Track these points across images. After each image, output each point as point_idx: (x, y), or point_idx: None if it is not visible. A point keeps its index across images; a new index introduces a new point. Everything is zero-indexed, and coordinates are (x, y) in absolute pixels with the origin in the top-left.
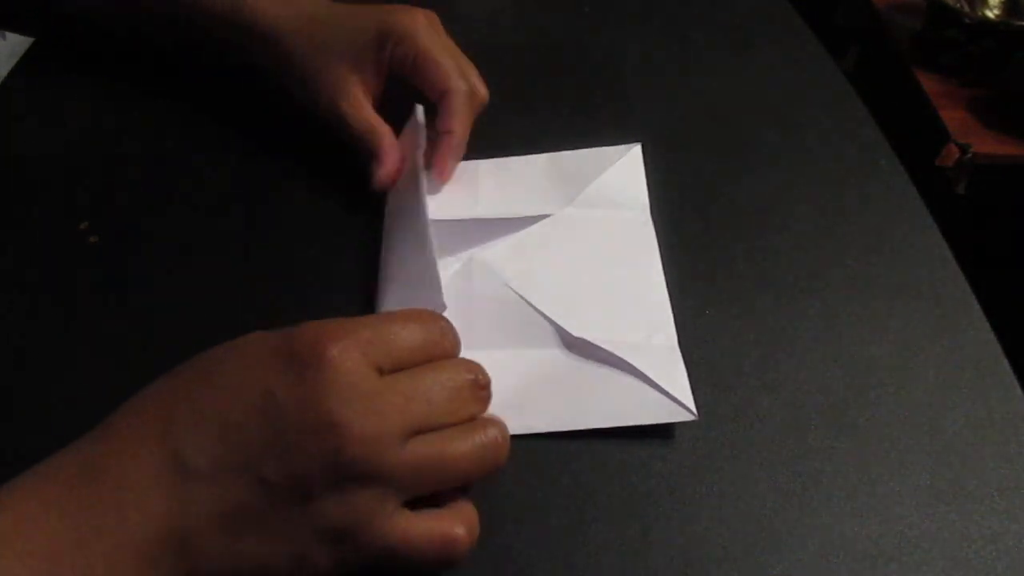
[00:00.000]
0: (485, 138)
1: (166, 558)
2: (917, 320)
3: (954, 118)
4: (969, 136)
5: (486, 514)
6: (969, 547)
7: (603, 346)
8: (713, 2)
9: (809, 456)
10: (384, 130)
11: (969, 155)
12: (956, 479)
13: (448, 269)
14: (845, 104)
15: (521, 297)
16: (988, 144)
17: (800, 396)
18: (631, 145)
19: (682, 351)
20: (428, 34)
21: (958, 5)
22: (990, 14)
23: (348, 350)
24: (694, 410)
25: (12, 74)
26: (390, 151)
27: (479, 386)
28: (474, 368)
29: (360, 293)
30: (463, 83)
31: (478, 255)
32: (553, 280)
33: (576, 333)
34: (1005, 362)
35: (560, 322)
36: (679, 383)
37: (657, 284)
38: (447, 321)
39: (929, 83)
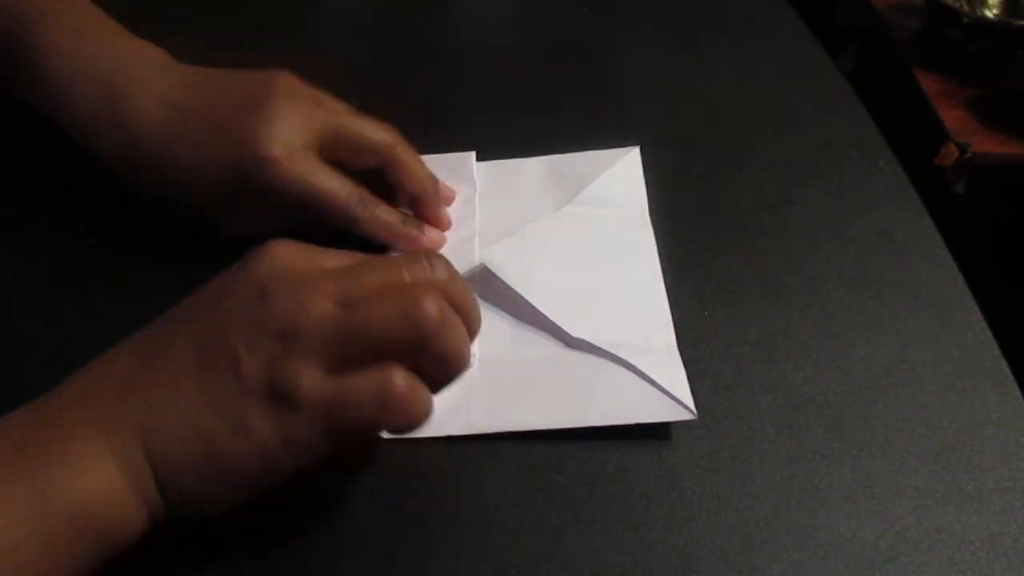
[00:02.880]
0: (484, 138)
1: (133, 436)
2: (916, 320)
3: (953, 118)
4: (968, 136)
5: (486, 514)
6: (967, 547)
7: (603, 347)
8: (713, 2)
9: (808, 456)
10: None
11: (968, 155)
12: (954, 479)
13: None
14: (845, 104)
15: (521, 296)
16: (987, 144)
17: (799, 396)
18: (629, 148)
19: (681, 351)
20: (297, 178)
21: (958, 5)
22: (990, 14)
23: (293, 250)
24: (694, 410)
25: None
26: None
27: (436, 287)
28: (436, 265)
29: None
30: (372, 155)
31: (480, 256)
32: (552, 280)
33: (575, 334)
34: (1004, 362)
35: (560, 322)
36: (679, 383)
37: (656, 285)
38: (437, 259)
39: (928, 83)
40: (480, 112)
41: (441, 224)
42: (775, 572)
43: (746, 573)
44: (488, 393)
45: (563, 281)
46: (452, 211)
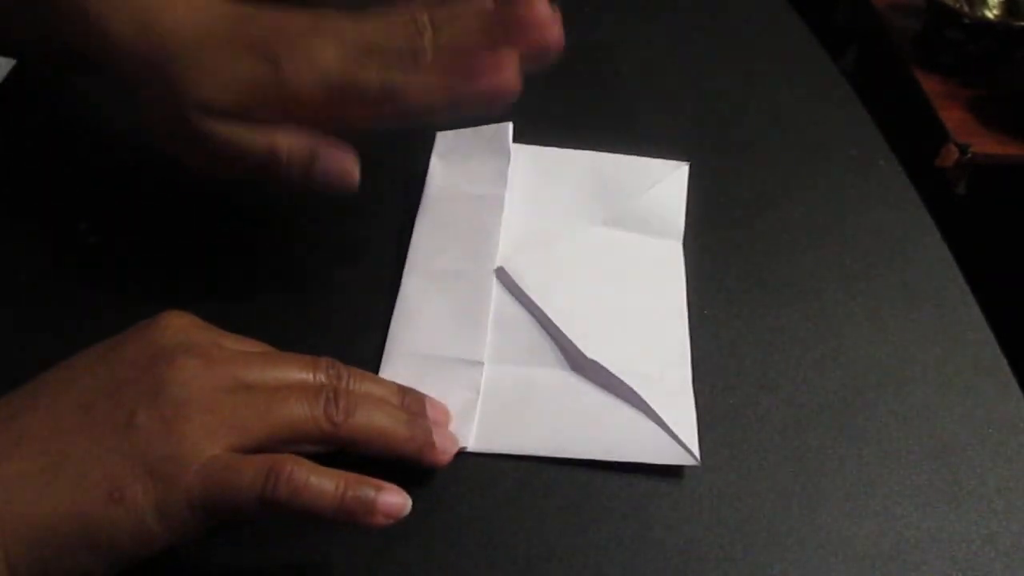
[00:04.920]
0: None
1: None
2: (916, 320)
3: (953, 118)
4: (968, 136)
5: (486, 514)
6: (967, 547)
7: (614, 373)
8: (713, 2)
9: (808, 456)
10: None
11: (968, 155)
12: (955, 479)
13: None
14: (844, 104)
15: (540, 309)
16: (987, 144)
17: (800, 396)
18: (678, 164)
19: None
20: (319, 66)
21: (958, 5)
22: (990, 14)
23: (191, 323)
24: (698, 456)
25: (12, 74)
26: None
27: (338, 391)
28: (343, 376)
29: (364, 295)
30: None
31: (503, 263)
32: (574, 298)
33: (590, 355)
34: (1004, 362)
35: (575, 340)
36: (687, 424)
37: (680, 320)
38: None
39: (929, 83)
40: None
41: (547, 29)
42: (775, 572)
43: (746, 573)
44: (490, 414)
45: (585, 301)
46: (480, 184)
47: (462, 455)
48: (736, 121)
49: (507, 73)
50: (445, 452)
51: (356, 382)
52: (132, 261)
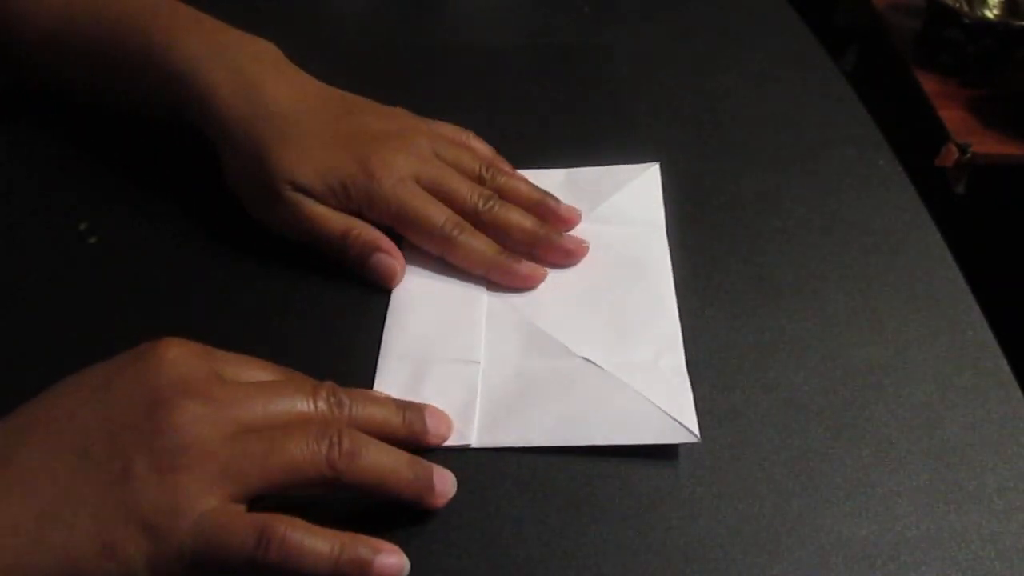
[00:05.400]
0: (482, 138)
1: None
2: (916, 320)
3: (953, 118)
4: (968, 136)
5: (486, 514)
6: (968, 547)
7: (605, 368)
8: (712, 2)
9: (808, 456)
10: (370, 241)
11: (968, 155)
12: (955, 479)
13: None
14: (844, 104)
15: (528, 313)
16: (987, 144)
17: (799, 396)
18: (649, 164)
19: (683, 350)
20: (394, 196)
21: (958, 5)
22: (990, 14)
23: (187, 349)
24: (697, 433)
25: None
26: (386, 270)
27: (341, 433)
28: (345, 404)
29: (364, 296)
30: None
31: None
32: (561, 298)
33: (581, 354)
34: (1004, 362)
35: (566, 343)
36: (684, 405)
37: (668, 305)
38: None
39: (928, 83)
40: (475, 111)
41: (572, 260)
42: (776, 572)
43: (747, 573)
44: (490, 410)
45: (574, 298)
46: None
47: (463, 453)
48: (736, 121)
49: (536, 277)
50: (443, 496)
51: (358, 407)
52: (132, 261)
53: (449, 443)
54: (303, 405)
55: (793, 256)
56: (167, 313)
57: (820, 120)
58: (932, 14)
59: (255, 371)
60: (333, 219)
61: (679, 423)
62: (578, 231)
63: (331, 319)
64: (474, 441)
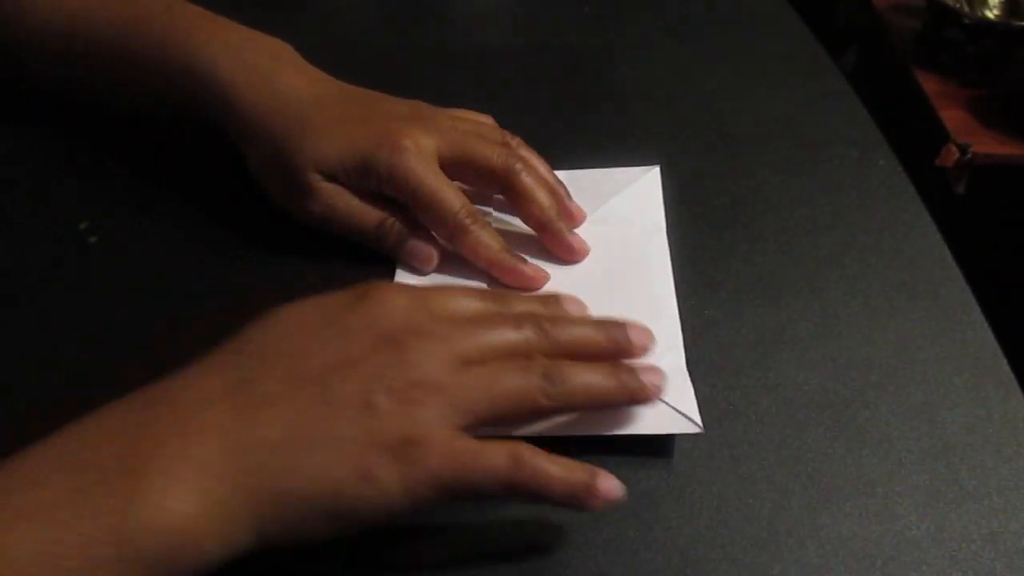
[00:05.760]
0: None
1: (228, 473)
2: (916, 320)
3: (953, 118)
4: (969, 136)
5: (486, 514)
6: (968, 547)
7: None
8: (713, 2)
9: (808, 456)
10: (395, 233)
11: (968, 155)
12: (955, 479)
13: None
14: (845, 104)
15: None
16: (988, 144)
17: (800, 396)
18: (649, 167)
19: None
20: (413, 171)
21: (958, 5)
22: (990, 14)
23: (403, 291)
24: (700, 423)
25: None
26: (418, 254)
27: (550, 364)
28: (549, 332)
29: None
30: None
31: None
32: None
33: None
34: (1004, 362)
35: None
36: (685, 398)
37: (668, 303)
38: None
39: (929, 83)
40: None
41: (574, 256)
42: (775, 572)
43: (746, 573)
44: None
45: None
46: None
47: None
48: (736, 121)
49: (539, 279)
50: (656, 391)
51: (560, 331)
52: (132, 261)
53: None
54: (512, 335)
55: (793, 256)
56: (167, 313)
57: (820, 120)
58: (932, 14)
59: (465, 300)
60: (366, 212)
61: (681, 414)
62: (579, 232)
63: None
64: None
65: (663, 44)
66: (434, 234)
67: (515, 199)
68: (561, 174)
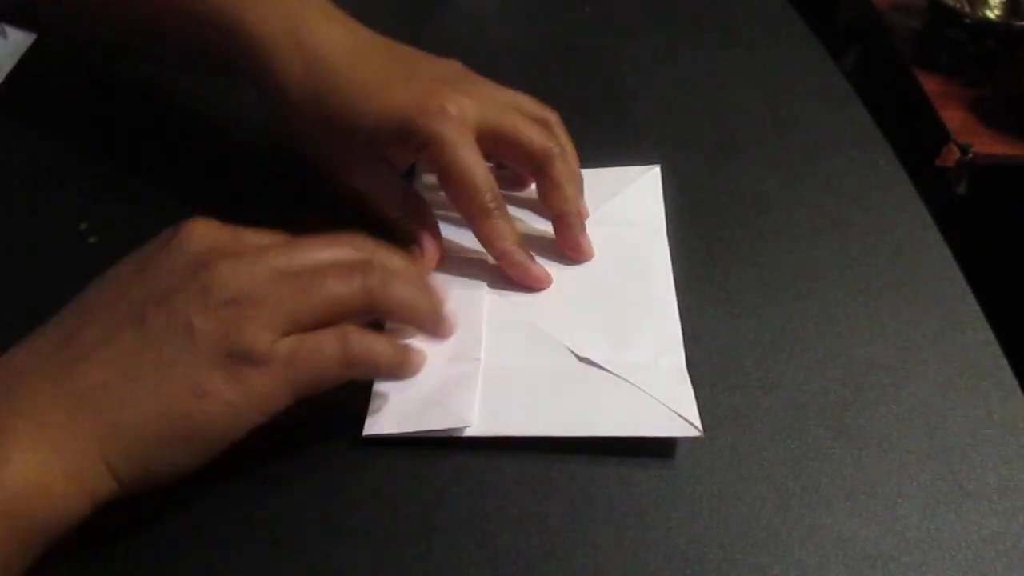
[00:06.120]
0: None
1: (64, 421)
2: (917, 320)
3: (954, 118)
4: (969, 136)
5: (486, 514)
6: (968, 547)
7: (607, 367)
8: (713, 2)
9: (809, 456)
10: (418, 214)
11: (969, 155)
12: (955, 479)
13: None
14: (845, 104)
15: (530, 317)
16: (988, 144)
17: (800, 396)
18: (650, 166)
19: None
20: (451, 143)
21: (958, 5)
22: (990, 14)
23: (213, 222)
24: (699, 426)
25: (12, 74)
26: (429, 242)
27: (368, 266)
28: (367, 246)
29: None
30: (531, 158)
31: (491, 285)
32: (561, 296)
33: (581, 353)
34: (1005, 362)
35: (564, 340)
36: (685, 400)
37: (668, 304)
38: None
39: (929, 83)
40: None
41: (580, 255)
42: (775, 572)
43: (746, 573)
44: (492, 398)
45: (573, 299)
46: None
47: (463, 453)
48: (736, 121)
49: (544, 281)
50: (451, 328)
51: (382, 255)
52: None
53: (448, 426)
54: (330, 252)
55: (793, 256)
56: None
57: (820, 120)
58: (933, 14)
59: (277, 238)
60: (391, 196)
61: (681, 416)
62: None
63: None
64: (473, 426)
65: (663, 44)
66: (456, 208)
67: (544, 184)
68: None
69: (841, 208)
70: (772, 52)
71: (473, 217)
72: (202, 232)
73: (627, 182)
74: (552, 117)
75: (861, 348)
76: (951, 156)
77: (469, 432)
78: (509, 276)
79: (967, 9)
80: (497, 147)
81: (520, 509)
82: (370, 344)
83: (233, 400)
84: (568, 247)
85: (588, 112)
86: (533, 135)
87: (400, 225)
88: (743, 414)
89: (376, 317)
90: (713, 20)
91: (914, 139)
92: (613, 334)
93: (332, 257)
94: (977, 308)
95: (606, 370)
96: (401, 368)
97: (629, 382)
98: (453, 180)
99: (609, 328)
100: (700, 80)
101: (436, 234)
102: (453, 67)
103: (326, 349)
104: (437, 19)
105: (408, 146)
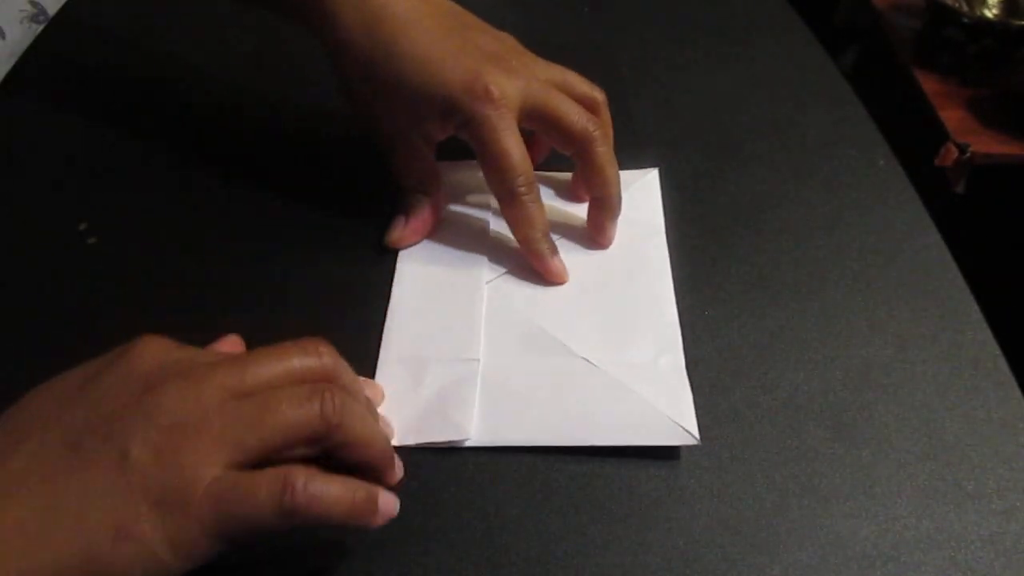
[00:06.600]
0: None
1: None
2: (916, 320)
3: (953, 118)
4: (968, 136)
5: (486, 514)
6: (967, 547)
7: (605, 368)
8: (713, 2)
9: (808, 456)
10: (427, 192)
11: (968, 155)
12: (954, 479)
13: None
14: (844, 104)
15: (530, 316)
16: (987, 144)
17: (799, 396)
18: (648, 170)
19: (682, 349)
20: (492, 125)
21: (957, 5)
22: (989, 14)
23: (165, 340)
24: (697, 435)
25: (12, 74)
26: (419, 217)
27: (327, 373)
28: (324, 353)
29: (361, 299)
30: (572, 141)
31: (491, 281)
32: (561, 296)
33: (581, 354)
34: (1003, 362)
35: (564, 340)
36: (683, 407)
37: (668, 305)
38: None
39: (928, 83)
40: None
41: (601, 239)
42: (775, 572)
43: (746, 573)
44: (490, 406)
45: (572, 299)
46: (466, 207)
47: (464, 453)
48: (736, 121)
49: (562, 276)
50: (400, 470)
51: (343, 371)
52: (132, 261)
53: (448, 438)
54: (283, 364)
55: (793, 256)
56: (166, 313)
57: (820, 120)
58: (932, 14)
59: (227, 355)
60: (425, 175)
61: (679, 425)
62: (581, 237)
63: (332, 318)
64: (472, 438)
65: (663, 44)
66: (489, 187)
67: (585, 166)
68: (560, 176)
69: (840, 208)
70: (772, 52)
71: (504, 199)
72: (154, 351)
73: (625, 185)
74: (600, 97)
75: (860, 348)
76: (950, 156)
77: (469, 444)
78: (530, 264)
79: (966, 9)
80: (540, 127)
81: (520, 509)
82: (321, 491)
83: (156, 548)
84: (596, 229)
85: None
86: (575, 118)
87: (405, 194)
88: (743, 414)
89: (328, 448)
90: (713, 20)
91: (913, 139)
92: (612, 334)
93: (286, 371)
94: (976, 308)
95: (605, 371)
96: (363, 517)
97: (627, 387)
98: (489, 161)
99: (609, 328)
100: (700, 80)
101: (433, 213)
102: (507, 42)
103: (261, 493)
104: None
105: (450, 122)
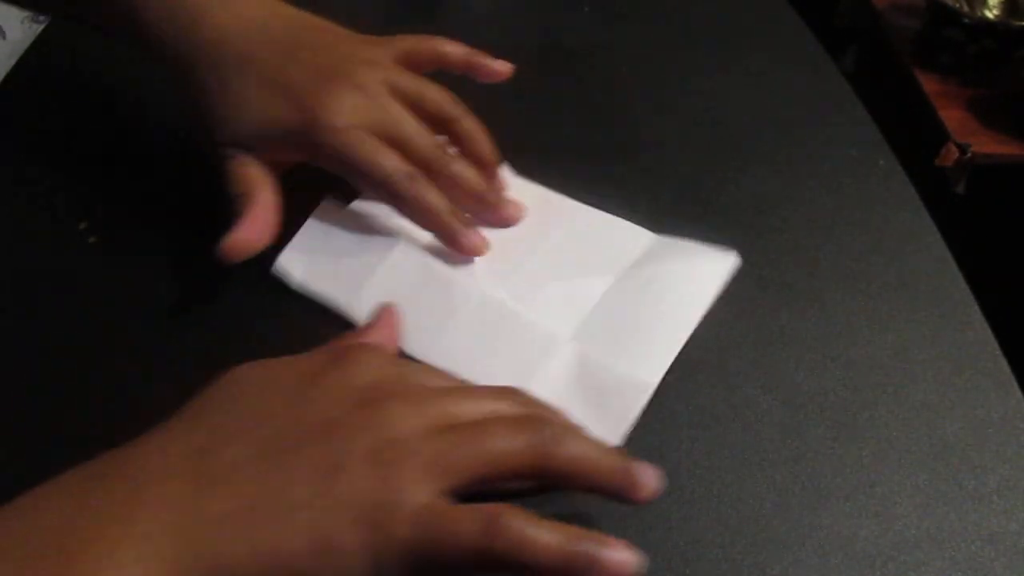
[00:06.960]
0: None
1: (172, 554)
2: (916, 320)
3: (953, 118)
4: (968, 136)
5: None
6: (967, 547)
7: (586, 357)
8: (713, 3)
9: (808, 456)
10: (260, 196)
11: (968, 155)
12: (954, 479)
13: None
14: (844, 104)
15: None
16: (987, 144)
17: (799, 396)
18: (727, 252)
19: (681, 350)
20: (344, 152)
21: (958, 5)
22: (990, 14)
23: (380, 353)
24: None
25: (12, 74)
26: (256, 219)
27: (540, 417)
28: (534, 404)
29: None
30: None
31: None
32: (579, 288)
33: (568, 336)
34: (1004, 362)
35: (567, 325)
36: (624, 415)
37: (680, 336)
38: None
39: (928, 83)
40: (474, 112)
41: (500, 211)
42: (775, 572)
43: (747, 573)
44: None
45: (588, 293)
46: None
47: None
48: (736, 121)
49: (480, 250)
50: (647, 490)
51: (549, 410)
52: (132, 261)
53: (343, 308)
54: (495, 404)
55: (793, 256)
56: (167, 313)
57: (820, 120)
58: (932, 14)
59: (436, 379)
60: (265, 172)
61: (616, 419)
62: (632, 267)
63: (332, 318)
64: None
65: (663, 44)
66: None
67: (443, 185)
68: (641, 235)
69: (840, 208)
70: (772, 52)
71: (393, 203)
72: (371, 362)
73: (695, 254)
74: (456, 110)
75: (860, 348)
76: (950, 156)
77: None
78: (446, 247)
79: (966, 9)
80: (404, 103)
81: (526, 503)
82: (532, 535)
83: (354, 562)
84: (496, 225)
85: (587, 112)
86: (414, 136)
87: (237, 203)
88: (743, 414)
89: (547, 482)
90: (713, 20)
91: (913, 139)
92: (611, 334)
93: (494, 410)
94: (976, 308)
95: (578, 354)
96: (568, 572)
97: (583, 370)
98: (356, 174)
99: (609, 327)
100: (700, 80)
101: (260, 229)
102: (345, 47)
103: (465, 526)
104: (437, 19)
105: (302, 156)
